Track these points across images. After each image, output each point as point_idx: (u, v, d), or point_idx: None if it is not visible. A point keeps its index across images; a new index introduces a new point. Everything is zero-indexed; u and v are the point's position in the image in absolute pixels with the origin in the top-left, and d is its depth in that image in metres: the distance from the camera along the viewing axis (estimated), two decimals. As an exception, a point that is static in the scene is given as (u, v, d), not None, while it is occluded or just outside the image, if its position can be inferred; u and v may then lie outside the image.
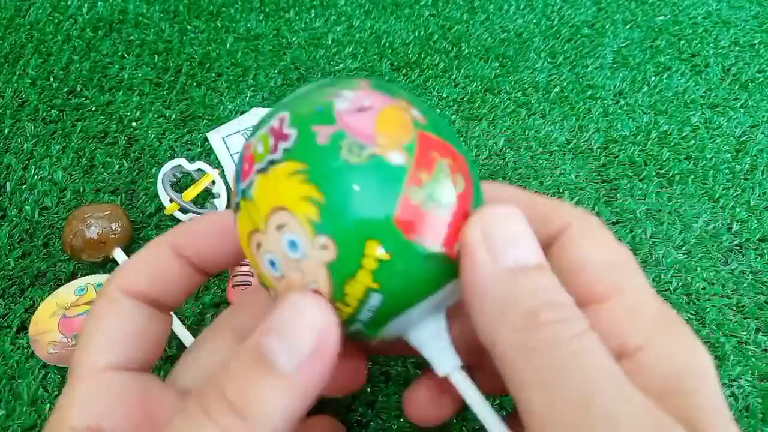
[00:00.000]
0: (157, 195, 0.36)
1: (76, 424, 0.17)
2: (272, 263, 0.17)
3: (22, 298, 0.32)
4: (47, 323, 0.30)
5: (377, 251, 0.16)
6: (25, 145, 0.39)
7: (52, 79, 0.44)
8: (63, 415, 0.18)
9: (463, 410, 0.23)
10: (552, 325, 0.15)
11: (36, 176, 0.38)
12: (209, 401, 0.16)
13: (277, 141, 0.17)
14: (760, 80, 0.46)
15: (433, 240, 0.16)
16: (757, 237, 0.36)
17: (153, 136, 0.40)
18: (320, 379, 0.16)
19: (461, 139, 0.41)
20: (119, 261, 0.33)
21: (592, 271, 0.18)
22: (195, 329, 0.31)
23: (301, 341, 0.15)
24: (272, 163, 0.16)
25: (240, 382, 0.15)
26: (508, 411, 0.27)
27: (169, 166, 0.37)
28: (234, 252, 0.21)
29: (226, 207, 0.36)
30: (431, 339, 0.18)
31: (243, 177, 0.17)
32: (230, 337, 0.22)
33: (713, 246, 0.35)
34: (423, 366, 0.29)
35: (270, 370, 0.15)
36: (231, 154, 0.39)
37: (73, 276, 0.33)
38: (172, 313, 0.32)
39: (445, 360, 0.18)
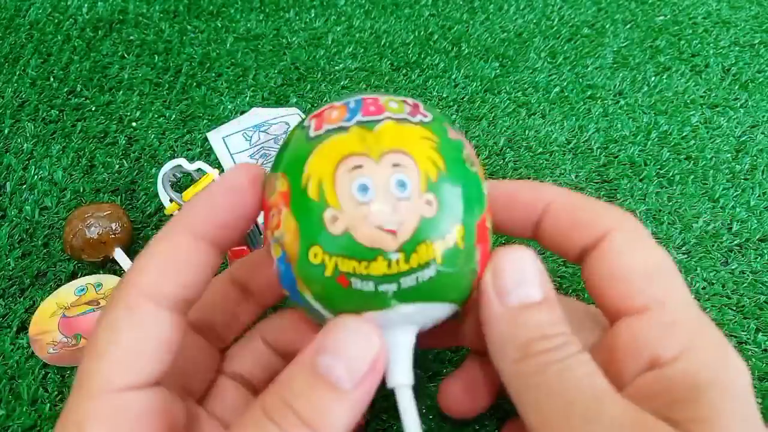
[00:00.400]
0: (157, 195, 0.36)
1: None
2: (364, 187, 0.17)
3: (22, 298, 0.32)
4: (47, 323, 0.30)
5: (460, 236, 0.18)
6: (25, 145, 0.39)
7: (52, 79, 0.44)
8: None
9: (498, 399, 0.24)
10: (541, 354, 0.17)
11: (36, 176, 0.38)
12: (280, 418, 0.17)
13: (415, 111, 0.19)
14: (760, 80, 0.46)
15: (480, 258, 0.19)
16: (757, 237, 0.36)
17: (153, 136, 0.40)
18: (373, 392, 0.17)
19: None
20: (119, 261, 0.33)
21: (633, 283, 0.19)
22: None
23: (359, 362, 0.17)
24: (408, 120, 0.18)
25: (308, 399, 0.17)
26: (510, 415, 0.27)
27: (169, 166, 0.37)
28: (254, 207, 0.19)
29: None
30: (401, 348, 0.19)
31: (364, 113, 0.18)
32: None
33: (713, 246, 0.35)
34: (427, 366, 0.29)
35: (332, 388, 0.17)
36: (231, 154, 0.39)
37: (73, 276, 0.33)
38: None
39: (401, 373, 0.19)
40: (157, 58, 0.45)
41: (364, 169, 0.17)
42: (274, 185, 0.19)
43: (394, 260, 0.17)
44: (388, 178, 0.17)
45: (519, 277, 0.18)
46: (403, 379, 0.19)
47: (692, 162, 0.40)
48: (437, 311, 0.19)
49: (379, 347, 0.17)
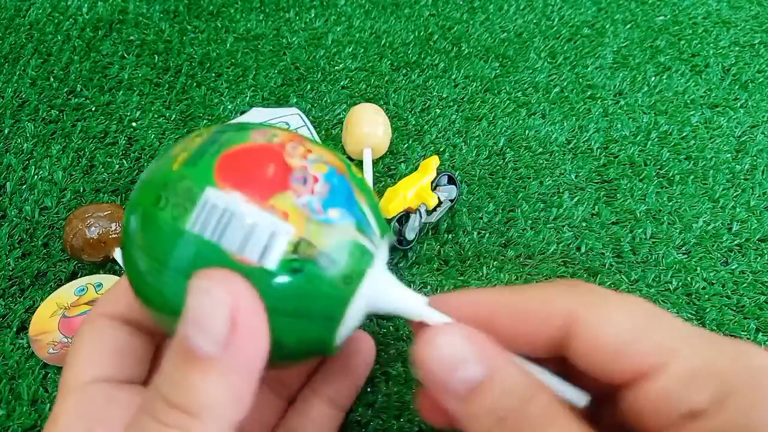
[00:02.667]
0: (157, 195, 0.36)
1: None
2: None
3: (22, 298, 0.32)
4: (47, 323, 0.30)
5: None
6: (25, 145, 0.39)
7: (52, 79, 0.44)
8: (53, 429, 0.18)
9: None
10: None
11: (36, 176, 0.38)
12: (155, 407, 0.15)
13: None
14: (760, 80, 0.46)
15: None
16: (757, 237, 0.36)
17: (153, 136, 0.40)
18: (255, 348, 0.16)
19: (461, 139, 0.41)
20: (119, 261, 0.33)
21: (635, 349, 0.17)
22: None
23: (214, 322, 0.15)
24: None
25: (175, 380, 0.15)
26: None
27: (169, 166, 0.37)
28: None
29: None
30: (392, 287, 0.19)
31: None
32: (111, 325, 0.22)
33: (713, 246, 0.35)
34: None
35: (197, 361, 0.15)
36: (231, 154, 0.39)
37: (73, 276, 0.33)
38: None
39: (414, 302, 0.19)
40: (157, 58, 0.45)
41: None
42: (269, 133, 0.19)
43: None
44: None
45: (452, 362, 0.17)
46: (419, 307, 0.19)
47: (692, 162, 0.40)
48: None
49: (230, 301, 0.15)
